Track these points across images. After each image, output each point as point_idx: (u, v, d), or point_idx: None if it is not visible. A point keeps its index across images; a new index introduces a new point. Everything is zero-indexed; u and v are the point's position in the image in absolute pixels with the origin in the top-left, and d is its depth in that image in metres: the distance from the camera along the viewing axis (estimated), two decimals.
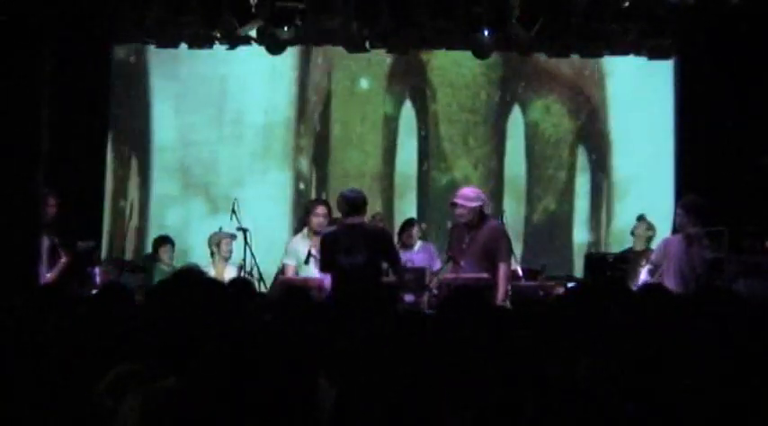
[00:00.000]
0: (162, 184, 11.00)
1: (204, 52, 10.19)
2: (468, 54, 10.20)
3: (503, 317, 3.77)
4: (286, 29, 9.47)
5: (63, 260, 7.94)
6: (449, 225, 8.95)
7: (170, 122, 11.00)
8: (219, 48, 10.06)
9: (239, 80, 10.97)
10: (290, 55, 10.65)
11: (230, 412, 2.17)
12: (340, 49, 10.15)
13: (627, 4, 9.45)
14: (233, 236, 8.97)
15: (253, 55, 10.18)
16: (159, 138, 11.01)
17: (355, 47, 10.12)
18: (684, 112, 10.41)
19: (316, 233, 8.05)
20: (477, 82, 11.12)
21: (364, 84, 11.21)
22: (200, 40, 10.04)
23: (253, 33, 9.88)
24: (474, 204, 7.86)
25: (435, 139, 11.10)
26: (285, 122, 11.10)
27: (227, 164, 10.99)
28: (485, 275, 7.77)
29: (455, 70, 11.06)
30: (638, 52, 10.32)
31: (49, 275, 7.86)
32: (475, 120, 11.09)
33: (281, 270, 8.40)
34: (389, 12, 9.44)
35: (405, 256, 8.99)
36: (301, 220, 8.71)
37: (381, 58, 10.79)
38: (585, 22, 9.61)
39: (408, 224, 9.66)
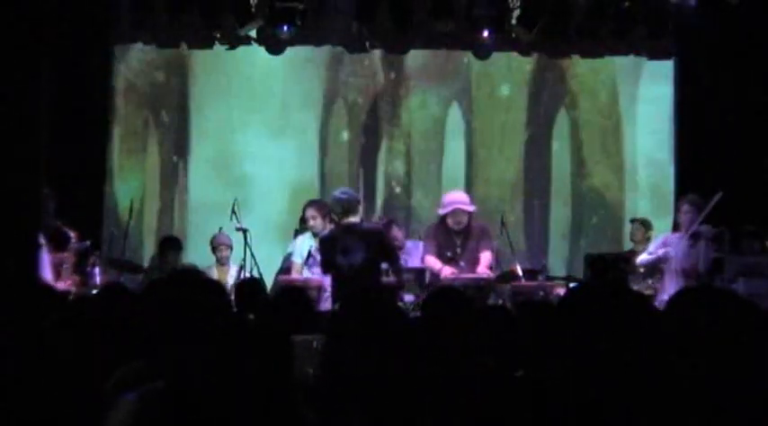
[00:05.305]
0: None
1: None
2: (605, 60, 10.18)
3: (493, 317, 3.78)
4: (286, 29, 9.49)
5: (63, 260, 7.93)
6: None
7: None
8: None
9: None
10: None
11: (219, 413, 2.17)
12: None
13: (627, 4, 9.46)
14: (230, 247, 9.04)
15: None
16: None
17: (355, 47, 10.13)
18: (684, 112, 10.40)
19: (314, 234, 8.11)
20: (616, 88, 10.93)
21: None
22: (201, 41, 10.05)
23: (253, 33, 9.89)
24: (472, 208, 7.97)
25: (575, 145, 10.96)
26: None
27: None
28: (485, 275, 7.80)
29: (593, 77, 10.92)
30: (637, 52, 10.33)
31: (49, 276, 7.85)
32: (614, 126, 10.98)
33: (284, 269, 8.53)
34: (389, 12, 9.45)
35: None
36: (300, 220, 8.76)
37: None
38: (586, 23, 9.62)
39: (385, 227, 8.68)
